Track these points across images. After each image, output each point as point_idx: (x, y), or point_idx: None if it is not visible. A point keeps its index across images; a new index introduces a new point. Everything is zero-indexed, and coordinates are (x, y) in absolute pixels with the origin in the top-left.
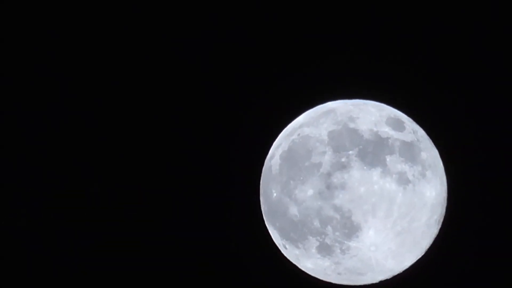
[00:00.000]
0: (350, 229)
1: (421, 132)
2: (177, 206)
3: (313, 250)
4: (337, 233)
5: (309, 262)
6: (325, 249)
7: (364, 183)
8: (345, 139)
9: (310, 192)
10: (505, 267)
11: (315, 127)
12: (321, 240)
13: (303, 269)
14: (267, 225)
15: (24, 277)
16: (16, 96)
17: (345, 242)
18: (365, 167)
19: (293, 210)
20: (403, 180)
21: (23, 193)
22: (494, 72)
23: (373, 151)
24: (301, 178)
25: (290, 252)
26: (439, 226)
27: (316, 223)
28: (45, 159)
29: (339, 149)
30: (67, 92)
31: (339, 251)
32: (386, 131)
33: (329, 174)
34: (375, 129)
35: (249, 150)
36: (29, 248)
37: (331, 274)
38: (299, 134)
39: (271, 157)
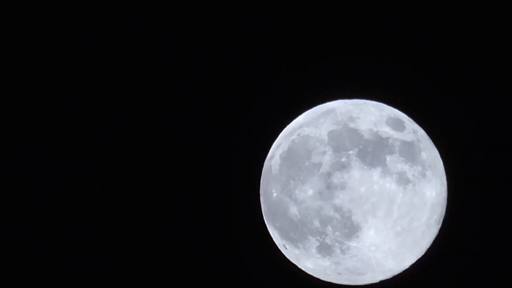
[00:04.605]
0: (350, 229)
1: (421, 132)
2: (177, 206)
3: (313, 250)
4: (337, 233)
5: (309, 262)
6: (325, 249)
7: (364, 183)
8: (345, 139)
9: (310, 192)
10: (505, 267)
11: (315, 127)
12: (321, 240)
13: (303, 269)
14: (267, 225)
15: (24, 277)
16: (16, 96)
17: (345, 242)
18: (365, 167)
19: (293, 210)
20: (403, 180)
21: (23, 193)
22: (494, 72)
23: (373, 151)
24: (301, 178)
25: (290, 252)
26: (439, 226)
27: (316, 223)
28: (45, 159)
29: (339, 149)
30: (67, 92)
31: (339, 251)
32: (386, 131)
33: (329, 174)
34: (375, 129)
35: (249, 150)
36: (29, 248)
37: (331, 274)
38: (299, 134)
39: (271, 157)
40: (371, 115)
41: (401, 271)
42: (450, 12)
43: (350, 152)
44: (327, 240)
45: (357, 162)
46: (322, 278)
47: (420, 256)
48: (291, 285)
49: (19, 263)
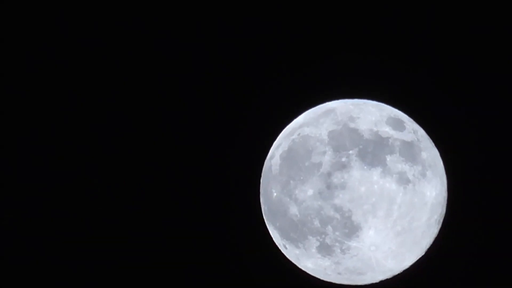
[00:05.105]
0: (350, 229)
1: (421, 131)
2: (177, 206)
3: (313, 250)
4: (337, 233)
5: (309, 262)
6: (325, 249)
7: (364, 182)
8: (345, 139)
9: (310, 192)
10: (505, 267)
11: (315, 127)
12: (321, 240)
13: (303, 269)
14: (267, 225)
15: (24, 277)
16: (16, 96)
17: (345, 242)
18: (365, 167)
19: (293, 210)
20: (403, 180)
21: (23, 193)
22: (494, 72)
23: (373, 151)
24: (301, 178)
25: (290, 252)
26: (439, 226)
27: (316, 223)
28: (45, 159)
29: (339, 149)
30: (67, 92)
31: (339, 251)
32: (386, 130)
33: (329, 174)
34: (375, 129)
35: (249, 150)
36: (29, 248)
37: (331, 274)
38: (299, 134)
39: (271, 157)
40: (371, 115)
41: (401, 271)
42: (450, 12)
43: (350, 152)
44: (327, 240)
45: (357, 162)
46: (322, 278)
47: (420, 256)
48: (291, 285)
49: (19, 263)
